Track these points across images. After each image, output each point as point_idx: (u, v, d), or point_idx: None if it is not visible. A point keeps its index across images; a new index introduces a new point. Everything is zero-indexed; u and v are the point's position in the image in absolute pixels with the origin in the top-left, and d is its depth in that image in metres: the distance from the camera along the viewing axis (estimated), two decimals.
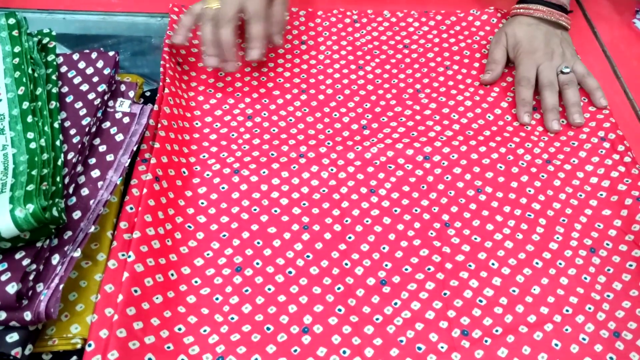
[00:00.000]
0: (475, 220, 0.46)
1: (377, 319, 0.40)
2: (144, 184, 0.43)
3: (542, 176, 0.49)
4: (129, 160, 0.43)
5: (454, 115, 0.54)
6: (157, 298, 0.39)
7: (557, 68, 0.55)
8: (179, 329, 0.38)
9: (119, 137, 0.44)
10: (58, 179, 0.39)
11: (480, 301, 0.41)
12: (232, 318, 0.39)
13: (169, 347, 0.37)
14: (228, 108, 0.53)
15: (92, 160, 0.43)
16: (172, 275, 0.41)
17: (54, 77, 0.45)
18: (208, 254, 0.42)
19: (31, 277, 0.35)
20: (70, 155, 0.41)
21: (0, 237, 0.34)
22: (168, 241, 0.42)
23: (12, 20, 0.46)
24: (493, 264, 0.43)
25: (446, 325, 0.40)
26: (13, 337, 0.34)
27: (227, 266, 0.42)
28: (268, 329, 0.39)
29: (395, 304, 0.40)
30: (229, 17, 0.50)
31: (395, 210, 0.46)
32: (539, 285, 0.42)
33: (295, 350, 0.38)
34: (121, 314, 0.36)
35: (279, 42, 0.53)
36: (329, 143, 0.51)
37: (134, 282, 0.38)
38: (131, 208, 0.41)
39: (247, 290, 0.41)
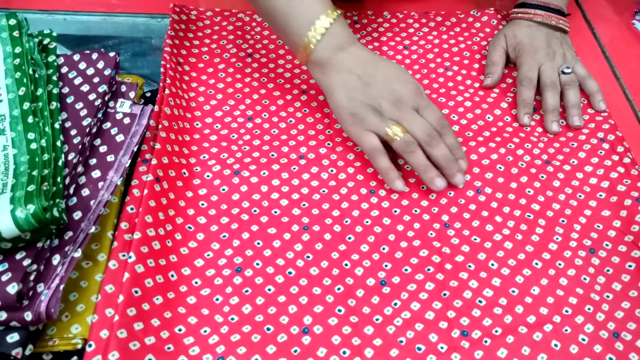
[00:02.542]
0: (474, 220, 0.46)
1: (377, 320, 0.40)
2: (145, 185, 0.43)
3: (542, 177, 0.49)
4: (130, 160, 0.43)
5: (453, 116, 0.54)
6: (157, 299, 0.39)
7: (559, 68, 0.55)
8: (179, 330, 0.38)
9: (120, 138, 0.44)
10: (59, 179, 0.39)
11: (480, 302, 0.41)
12: (232, 318, 0.39)
13: (169, 348, 0.37)
14: (228, 109, 0.53)
15: (93, 161, 0.43)
16: (172, 276, 0.41)
17: (54, 77, 0.45)
18: (208, 255, 0.43)
19: (32, 278, 0.35)
20: (70, 156, 0.41)
21: (1, 238, 0.34)
22: (168, 242, 0.42)
23: (12, 21, 0.46)
24: (492, 265, 0.43)
25: (446, 325, 0.40)
26: (13, 337, 0.34)
27: (227, 267, 0.42)
28: (268, 329, 0.39)
29: (395, 304, 0.41)
30: (445, 121, 0.46)
31: (395, 211, 0.46)
32: (539, 285, 0.42)
33: (296, 351, 0.38)
34: (122, 314, 0.36)
35: (465, 166, 0.48)
36: (329, 144, 0.51)
37: (134, 283, 0.38)
38: (132, 209, 0.41)
39: (247, 291, 0.41)
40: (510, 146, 0.51)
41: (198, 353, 0.37)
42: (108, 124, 0.45)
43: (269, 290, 0.41)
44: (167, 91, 0.49)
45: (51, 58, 0.47)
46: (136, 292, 0.38)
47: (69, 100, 0.45)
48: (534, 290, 0.42)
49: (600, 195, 0.48)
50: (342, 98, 0.46)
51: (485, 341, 0.39)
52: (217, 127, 0.52)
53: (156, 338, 0.37)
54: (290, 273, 0.42)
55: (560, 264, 0.43)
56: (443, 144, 0.45)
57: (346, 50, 0.46)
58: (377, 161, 0.46)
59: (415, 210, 0.46)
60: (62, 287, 0.35)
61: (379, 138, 0.45)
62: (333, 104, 0.47)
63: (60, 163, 0.40)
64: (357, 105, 0.45)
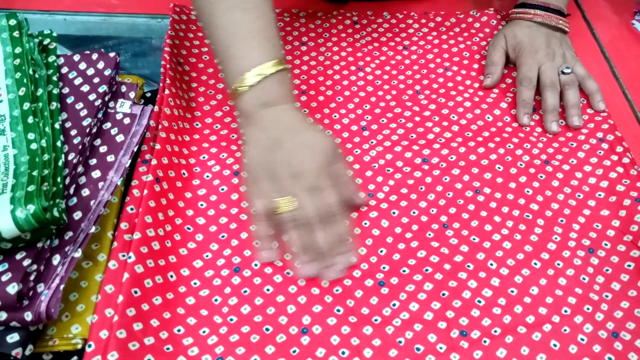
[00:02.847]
0: (473, 221, 0.46)
1: (375, 320, 0.40)
2: (145, 185, 0.43)
3: (541, 177, 0.49)
4: (130, 161, 0.43)
5: (453, 117, 0.54)
6: (156, 299, 0.39)
7: (559, 68, 0.55)
8: (178, 330, 0.38)
9: (120, 138, 0.44)
10: (59, 179, 0.39)
11: (479, 302, 0.41)
12: (231, 319, 0.39)
13: (168, 349, 0.37)
14: (228, 109, 0.53)
15: (93, 161, 0.43)
16: (172, 276, 0.41)
17: (54, 78, 0.45)
18: (207, 256, 0.43)
19: (32, 278, 0.35)
20: (71, 156, 0.41)
21: (1, 238, 0.35)
22: (167, 242, 0.42)
23: (13, 22, 0.46)
24: (491, 265, 0.43)
25: (445, 325, 0.40)
26: (14, 337, 0.34)
27: (225, 267, 0.42)
28: (267, 329, 0.39)
29: (394, 305, 0.41)
30: (334, 209, 0.41)
31: (394, 213, 0.46)
32: (538, 285, 0.42)
33: (294, 351, 0.38)
34: (121, 314, 0.36)
35: (361, 201, 0.46)
36: None
37: (134, 283, 0.38)
38: (132, 209, 0.42)
39: (245, 291, 0.41)
40: (509, 146, 0.51)
41: (197, 353, 0.37)
42: (108, 124, 0.45)
43: (268, 290, 0.41)
44: (167, 91, 0.49)
45: (51, 58, 0.47)
46: (135, 292, 0.38)
47: (69, 100, 0.45)
48: (533, 290, 0.42)
49: (600, 195, 0.48)
50: (251, 155, 0.43)
51: (485, 341, 0.39)
52: (216, 127, 0.52)
53: (155, 338, 0.37)
54: (288, 273, 0.42)
55: (559, 264, 0.43)
56: (323, 232, 0.41)
57: (271, 108, 0.44)
58: (257, 226, 0.43)
59: (414, 212, 0.46)
60: (62, 287, 0.35)
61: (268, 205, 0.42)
62: (244, 157, 0.44)
63: (60, 163, 0.40)
64: (257, 167, 0.42)
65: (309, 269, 0.41)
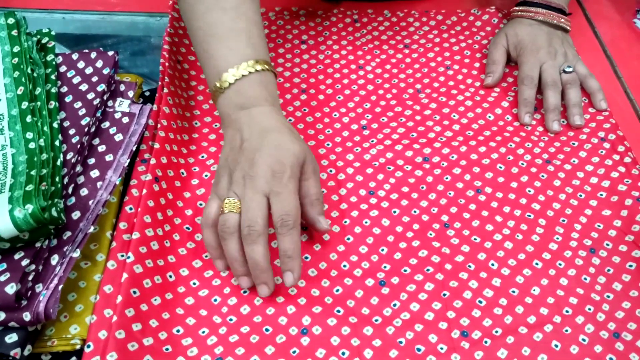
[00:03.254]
0: (474, 220, 0.45)
1: (376, 320, 0.40)
2: (144, 185, 0.43)
3: (542, 176, 0.49)
4: (128, 160, 0.43)
5: (454, 116, 0.54)
6: (155, 299, 0.39)
7: (560, 67, 0.55)
8: (178, 331, 0.38)
9: (118, 137, 0.44)
10: (57, 179, 0.39)
11: (480, 302, 0.41)
12: (231, 319, 0.39)
13: (167, 349, 0.37)
14: None
15: (92, 161, 0.43)
16: (171, 276, 0.41)
17: (53, 76, 0.45)
18: (206, 256, 0.42)
19: (30, 278, 0.35)
20: (69, 155, 0.41)
21: None
22: (167, 242, 0.42)
23: (11, 20, 0.46)
24: (493, 265, 0.43)
25: (446, 326, 0.39)
26: (12, 337, 0.34)
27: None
28: (267, 330, 0.39)
29: (395, 305, 0.40)
30: (260, 229, 0.37)
31: (394, 212, 0.46)
32: (539, 285, 0.42)
33: (294, 352, 0.38)
34: (120, 315, 0.36)
35: (324, 226, 0.41)
36: (328, 144, 0.51)
37: (133, 284, 0.38)
38: (130, 209, 0.41)
39: (245, 292, 0.41)
40: (510, 145, 0.51)
41: (196, 354, 0.37)
42: (107, 123, 0.45)
43: None
44: (165, 90, 0.49)
45: (50, 57, 0.46)
46: (134, 292, 0.37)
47: (68, 99, 0.45)
48: (534, 290, 0.41)
49: (601, 195, 0.48)
50: (222, 154, 0.42)
51: (485, 342, 0.39)
52: (215, 126, 0.51)
53: (154, 339, 0.37)
54: None
55: (560, 264, 0.43)
56: (261, 245, 0.37)
57: (247, 110, 0.42)
58: (203, 232, 0.40)
59: (415, 211, 0.46)
60: (60, 287, 0.35)
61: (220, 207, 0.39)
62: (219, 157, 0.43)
63: (58, 163, 0.40)
64: (223, 165, 0.41)
65: (243, 283, 0.39)
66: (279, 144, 0.40)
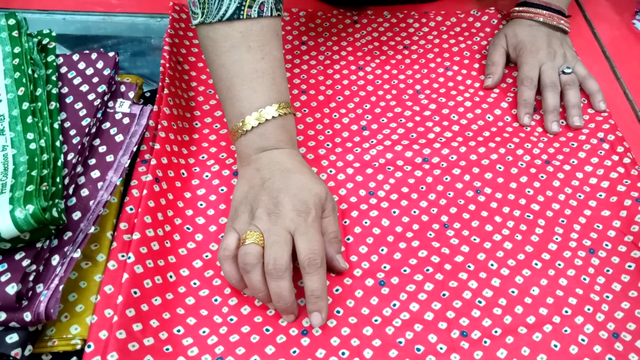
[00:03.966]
0: (474, 221, 0.46)
1: (375, 320, 0.40)
2: (144, 185, 0.43)
3: (542, 177, 0.49)
4: (129, 160, 0.43)
5: (453, 116, 0.54)
6: (155, 300, 0.39)
7: (559, 68, 0.55)
8: (178, 331, 0.38)
9: (119, 138, 0.44)
10: (58, 179, 0.39)
11: (480, 302, 0.41)
12: (231, 319, 0.39)
13: (167, 349, 0.37)
14: None
15: (92, 161, 0.43)
16: (171, 277, 0.41)
17: (53, 77, 0.45)
18: (207, 256, 0.43)
19: (31, 278, 0.35)
20: (70, 156, 0.41)
21: (0, 238, 0.34)
22: (167, 243, 0.42)
23: (12, 21, 0.46)
24: (492, 265, 0.43)
25: (445, 326, 0.40)
26: (13, 337, 0.34)
27: None
28: (267, 330, 0.39)
29: (394, 305, 0.41)
30: (285, 264, 0.37)
31: (394, 212, 0.46)
32: (538, 286, 0.42)
33: (295, 352, 0.38)
34: (121, 315, 0.36)
35: (342, 266, 0.41)
36: (328, 145, 0.51)
37: (133, 284, 0.38)
38: (131, 209, 0.41)
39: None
40: (510, 146, 0.51)
41: (197, 354, 0.37)
42: (107, 124, 0.45)
43: None
44: (166, 91, 0.49)
45: (50, 58, 0.47)
46: (135, 292, 0.38)
47: (68, 100, 0.45)
48: (533, 290, 0.42)
49: (600, 196, 0.48)
50: (238, 190, 0.42)
51: (485, 342, 0.39)
52: (216, 126, 0.52)
53: (155, 339, 0.37)
54: None
55: (559, 264, 0.43)
56: (286, 281, 0.37)
57: (268, 152, 0.43)
58: (223, 265, 0.39)
59: (414, 212, 0.46)
60: (61, 287, 0.35)
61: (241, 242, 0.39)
62: (233, 193, 0.43)
63: (59, 163, 0.40)
64: (242, 202, 0.41)
65: (287, 318, 0.39)
66: (302, 184, 0.40)
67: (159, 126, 0.46)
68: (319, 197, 0.40)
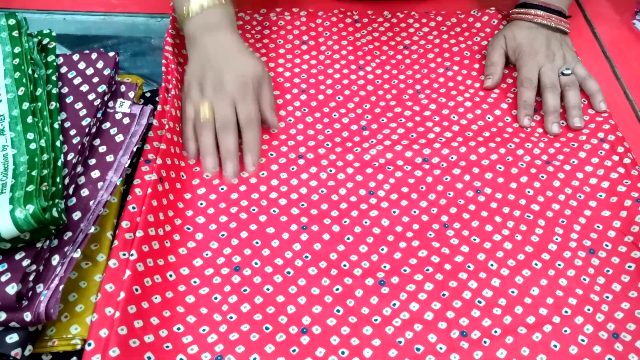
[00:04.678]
0: (474, 221, 0.46)
1: (375, 320, 0.40)
2: (148, 184, 0.43)
3: (542, 177, 0.49)
4: (129, 161, 0.43)
5: (453, 117, 0.54)
6: (155, 298, 0.39)
7: (559, 70, 0.55)
8: (178, 329, 0.38)
9: (119, 138, 0.44)
10: (58, 179, 0.39)
11: (479, 302, 0.41)
12: (231, 317, 0.39)
13: (168, 347, 0.37)
14: None
15: (92, 161, 0.43)
16: (171, 276, 0.41)
17: (54, 77, 0.45)
18: (207, 254, 0.43)
19: (31, 278, 0.35)
20: (70, 156, 0.41)
21: (0, 238, 0.34)
22: (167, 242, 0.42)
23: (12, 21, 0.46)
24: (492, 265, 0.43)
25: (445, 326, 0.40)
26: (13, 337, 0.34)
27: (225, 265, 0.42)
28: (267, 328, 0.39)
29: (394, 304, 0.41)
30: (231, 122, 0.47)
31: (394, 212, 0.46)
32: (538, 286, 0.42)
33: (294, 350, 0.38)
34: (123, 311, 0.36)
35: (274, 122, 0.51)
36: (328, 144, 0.51)
37: (135, 281, 0.38)
38: (133, 207, 0.41)
39: (245, 290, 0.41)
40: (510, 146, 0.51)
41: (197, 352, 0.37)
42: (107, 124, 0.45)
43: (268, 289, 0.41)
44: (174, 92, 0.49)
45: (50, 58, 0.47)
46: (136, 290, 0.38)
47: (69, 100, 0.45)
48: (533, 290, 0.42)
49: (600, 196, 0.48)
50: (190, 69, 0.50)
51: (485, 342, 0.39)
52: None
53: (155, 336, 0.37)
54: (288, 273, 0.42)
55: (559, 265, 0.43)
56: (232, 137, 0.47)
57: (213, 33, 0.50)
58: (184, 127, 0.49)
59: (414, 211, 0.46)
60: (61, 287, 0.35)
61: (196, 112, 0.48)
62: (185, 72, 0.51)
63: (59, 163, 0.40)
64: (192, 80, 0.49)
65: (209, 164, 0.47)
66: (243, 62, 0.49)
67: (166, 127, 0.46)
68: (257, 73, 0.49)
